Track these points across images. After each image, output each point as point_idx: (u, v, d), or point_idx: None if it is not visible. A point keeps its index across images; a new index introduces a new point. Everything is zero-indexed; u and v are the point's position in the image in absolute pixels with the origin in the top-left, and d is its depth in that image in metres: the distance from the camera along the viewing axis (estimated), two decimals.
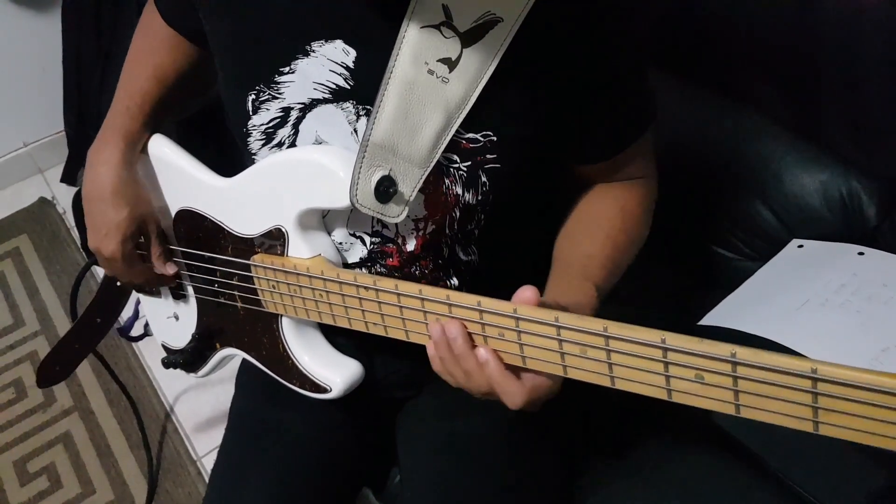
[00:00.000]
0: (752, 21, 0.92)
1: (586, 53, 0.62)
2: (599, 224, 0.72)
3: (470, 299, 0.57)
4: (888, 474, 0.66)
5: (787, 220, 0.92)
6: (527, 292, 0.56)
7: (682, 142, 0.94)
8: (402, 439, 0.89)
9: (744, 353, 0.46)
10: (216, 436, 1.51)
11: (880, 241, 0.85)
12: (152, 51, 0.82)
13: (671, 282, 0.97)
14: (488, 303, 0.56)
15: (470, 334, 0.58)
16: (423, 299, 0.60)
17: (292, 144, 0.70)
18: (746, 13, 0.92)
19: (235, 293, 0.78)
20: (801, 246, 0.90)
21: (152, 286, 0.89)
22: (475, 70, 0.61)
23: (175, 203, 0.81)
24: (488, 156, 0.64)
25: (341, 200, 0.64)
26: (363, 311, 0.65)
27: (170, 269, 0.82)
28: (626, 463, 0.78)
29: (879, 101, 0.84)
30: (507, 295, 0.57)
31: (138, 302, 0.99)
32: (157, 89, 0.81)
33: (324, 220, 0.72)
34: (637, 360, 0.51)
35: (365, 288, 0.63)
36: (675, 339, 0.48)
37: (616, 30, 0.63)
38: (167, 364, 0.90)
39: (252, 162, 0.73)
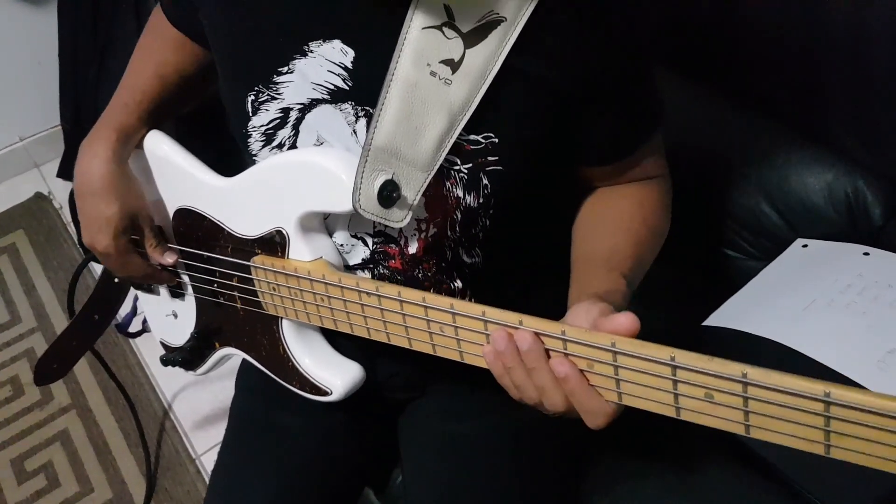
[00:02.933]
0: (758, 19, 0.91)
1: (591, 55, 0.61)
2: (619, 219, 0.70)
3: (474, 308, 0.55)
4: None
5: (791, 220, 0.91)
6: (622, 318, 0.50)
7: (687, 141, 0.93)
8: (405, 441, 0.88)
9: (755, 373, 0.45)
10: (215, 433, 1.51)
11: (885, 241, 0.85)
12: (157, 50, 0.81)
13: (675, 281, 0.96)
14: (493, 313, 0.54)
15: (547, 350, 0.53)
16: (426, 307, 0.58)
17: (292, 146, 0.69)
18: (752, 12, 0.91)
19: (235, 294, 0.77)
20: (805, 246, 0.90)
21: (150, 282, 0.88)
22: (478, 71, 0.59)
23: (173, 201, 0.80)
24: (489, 157, 0.63)
25: (344, 205, 0.63)
26: (365, 317, 0.64)
27: (169, 259, 0.80)
28: (633, 467, 0.78)
29: (886, 100, 0.84)
30: (510, 298, 0.56)
31: (136, 298, 0.99)
32: (158, 88, 0.80)
33: (325, 221, 0.71)
34: (645, 377, 0.49)
35: (367, 294, 0.62)
36: (684, 357, 0.47)
37: (622, 31, 0.62)
38: (166, 362, 0.89)
39: (253, 163, 0.72)
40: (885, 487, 0.62)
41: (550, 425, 0.83)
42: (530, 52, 0.60)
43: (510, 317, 0.54)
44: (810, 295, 0.81)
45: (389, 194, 0.61)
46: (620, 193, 0.72)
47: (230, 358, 0.90)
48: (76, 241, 1.88)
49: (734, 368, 0.45)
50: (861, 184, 0.86)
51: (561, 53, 0.60)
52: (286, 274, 0.69)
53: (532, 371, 0.53)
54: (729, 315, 0.86)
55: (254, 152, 0.71)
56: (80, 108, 1.90)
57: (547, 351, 0.53)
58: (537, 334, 0.53)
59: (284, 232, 0.69)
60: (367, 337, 0.66)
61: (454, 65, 0.60)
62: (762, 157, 0.91)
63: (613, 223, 0.70)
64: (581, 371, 0.52)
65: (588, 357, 0.51)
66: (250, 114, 0.69)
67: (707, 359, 0.46)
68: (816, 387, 0.43)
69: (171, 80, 0.81)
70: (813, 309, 0.79)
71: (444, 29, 0.59)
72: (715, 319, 0.86)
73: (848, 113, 0.88)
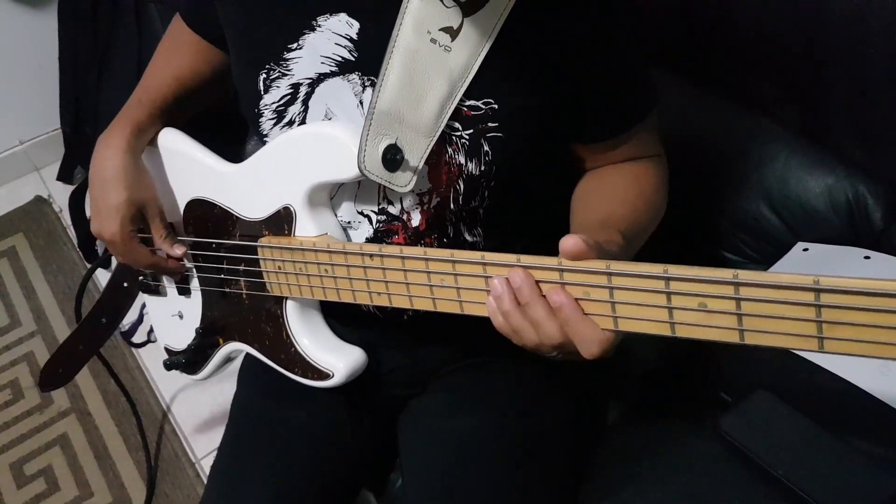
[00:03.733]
0: (758, 22, 0.91)
1: (584, 30, 0.63)
2: (616, 189, 0.72)
3: (473, 255, 0.57)
4: None
5: (792, 223, 0.91)
6: (570, 240, 0.52)
7: (687, 143, 0.93)
8: (405, 437, 0.88)
9: (746, 273, 0.46)
10: (215, 437, 1.50)
11: (886, 245, 0.85)
12: (175, 53, 0.86)
13: None
14: (492, 256, 0.56)
15: (542, 285, 0.54)
16: (427, 259, 0.60)
17: (302, 121, 0.71)
18: (753, 14, 0.91)
19: (241, 279, 0.78)
20: (806, 249, 0.90)
21: (156, 271, 0.88)
22: (476, 39, 0.62)
23: (185, 194, 0.82)
24: (490, 124, 0.65)
25: (350, 170, 0.65)
26: (368, 280, 0.66)
27: (178, 250, 0.82)
28: (634, 471, 0.78)
29: (886, 104, 0.84)
30: None
31: (143, 306, 0.99)
32: (174, 87, 0.83)
33: (331, 200, 0.72)
34: (640, 295, 0.50)
35: (370, 255, 0.64)
36: (677, 269, 0.48)
37: (619, 6, 0.64)
38: (170, 365, 0.90)
39: (264, 144, 0.73)
40: (888, 491, 0.63)
41: (554, 424, 0.83)
42: (526, 23, 0.62)
43: (508, 257, 0.55)
44: None
45: (393, 157, 0.63)
46: (617, 170, 0.74)
47: (230, 363, 0.90)
48: (76, 245, 1.88)
49: (725, 272, 0.46)
50: (862, 187, 0.86)
51: (555, 27, 0.63)
52: (291, 249, 0.70)
53: (527, 306, 0.55)
54: None
55: (265, 132, 0.73)
56: (80, 111, 1.90)
57: (541, 287, 0.55)
58: (530, 272, 0.54)
59: (291, 208, 0.71)
60: (370, 303, 0.67)
61: (453, 32, 0.62)
62: (762, 160, 0.92)
63: (610, 194, 0.72)
64: (576, 300, 0.53)
65: (584, 284, 0.52)
66: (262, 92, 0.71)
67: (698, 268, 0.47)
68: (806, 278, 0.43)
69: (187, 81, 0.84)
70: None
71: None
72: None
73: (849, 116, 0.88)
